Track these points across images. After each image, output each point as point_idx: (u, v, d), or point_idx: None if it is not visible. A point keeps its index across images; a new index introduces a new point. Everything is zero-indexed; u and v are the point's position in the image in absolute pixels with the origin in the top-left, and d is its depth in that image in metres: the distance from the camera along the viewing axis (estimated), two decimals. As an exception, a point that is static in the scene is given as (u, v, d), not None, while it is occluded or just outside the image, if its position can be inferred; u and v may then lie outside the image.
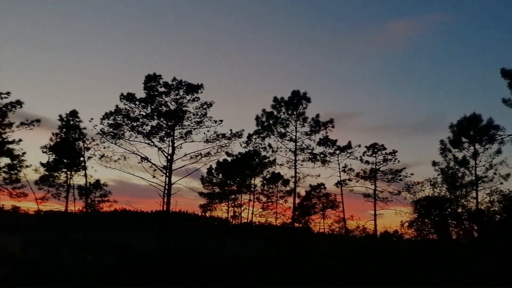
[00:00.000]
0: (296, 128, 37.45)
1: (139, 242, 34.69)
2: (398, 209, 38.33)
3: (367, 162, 40.87)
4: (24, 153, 32.41)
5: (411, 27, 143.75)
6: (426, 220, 30.42)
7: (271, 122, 37.48)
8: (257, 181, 47.80)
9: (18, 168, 32.23)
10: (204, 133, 31.73)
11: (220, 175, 47.89)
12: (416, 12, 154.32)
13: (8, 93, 31.68)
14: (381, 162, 40.69)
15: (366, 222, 41.54)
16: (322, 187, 44.87)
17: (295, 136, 37.47)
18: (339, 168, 40.52)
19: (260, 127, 37.60)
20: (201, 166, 33.29)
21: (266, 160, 44.22)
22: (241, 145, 37.74)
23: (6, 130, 31.90)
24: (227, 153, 35.86)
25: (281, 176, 46.00)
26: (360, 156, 40.72)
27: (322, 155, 38.92)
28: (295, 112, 37.30)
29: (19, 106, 31.92)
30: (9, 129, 31.96)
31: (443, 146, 34.44)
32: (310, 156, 38.37)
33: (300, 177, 39.31)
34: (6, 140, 31.72)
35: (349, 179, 41.00)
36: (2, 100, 31.55)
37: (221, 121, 32.10)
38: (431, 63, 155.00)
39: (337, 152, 40.02)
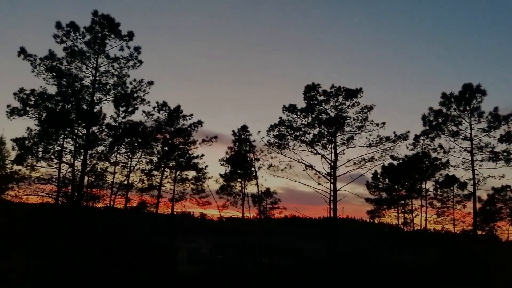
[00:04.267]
0: (470, 125, 33.73)
1: (308, 248, 36.00)
2: None
3: None
4: (206, 166, 37.51)
5: None
6: None
7: (440, 120, 34.58)
8: (429, 185, 44.37)
9: (203, 180, 37.37)
10: (366, 138, 31.49)
11: (387, 180, 46.12)
12: None
13: (191, 115, 37.21)
14: None
15: None
16: (508, 189, 39.07)
17: (470, 134, 33.75)
18: (528, 167, 34.89)
19: (427, 127, 35.04)
20: (365, 171, 33.08)
21: (438, 162, 40.70)
22: (407, 147, 35.71)
23: (191, 147, 37.47)
24: (393, 157, 34.65)
25: (456, 179, 41.69)
26: (557, 152, 34.33)
27: (505, 153, 34.06)
28: (468, 108, 33.64)
29: (200, 126, 37.26)
30: (194, 146, 37.48)
31: None
32: (491, 155, 33.92)
33: (480, 179, 34.94)
34: (192, 155, 37.14)
35: (544, 180, 34.96)
36: (187, 121, 37.21)
37: (384, 123, 31.37)
38: None
39: (525, 148, 34.52)
